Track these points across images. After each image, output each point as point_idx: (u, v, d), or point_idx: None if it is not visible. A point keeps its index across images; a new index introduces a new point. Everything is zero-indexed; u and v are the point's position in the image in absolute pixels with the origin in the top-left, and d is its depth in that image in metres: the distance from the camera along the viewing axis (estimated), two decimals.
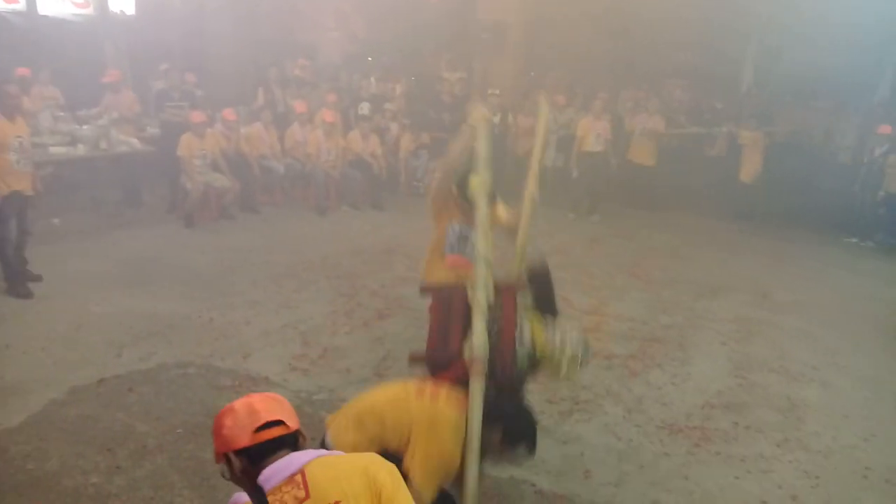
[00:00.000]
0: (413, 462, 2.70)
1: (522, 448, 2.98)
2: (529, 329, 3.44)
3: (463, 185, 4.10)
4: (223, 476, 1.89)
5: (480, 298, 3.13)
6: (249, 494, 1.79)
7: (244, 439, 1.81)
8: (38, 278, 6.39)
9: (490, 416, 2.89)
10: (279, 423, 1.84)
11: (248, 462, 1.82)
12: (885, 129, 10.04)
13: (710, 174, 11.19)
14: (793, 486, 4.17)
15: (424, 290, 3.91)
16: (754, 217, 10.59)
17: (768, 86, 13.01)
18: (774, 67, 13.09)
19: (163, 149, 9.03)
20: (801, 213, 10.37)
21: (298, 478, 1.78)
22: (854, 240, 10.16)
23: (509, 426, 2.93)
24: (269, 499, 1.76)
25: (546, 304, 3.64)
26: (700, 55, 12.22)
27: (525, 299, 3.60)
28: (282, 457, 1.82)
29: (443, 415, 2.80)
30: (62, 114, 9.10)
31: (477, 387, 2.91)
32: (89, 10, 11.80)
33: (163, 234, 8.23)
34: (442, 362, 3.31)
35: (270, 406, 1.87)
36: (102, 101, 9.36)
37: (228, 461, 1.84)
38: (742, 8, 11.64)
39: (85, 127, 8.76)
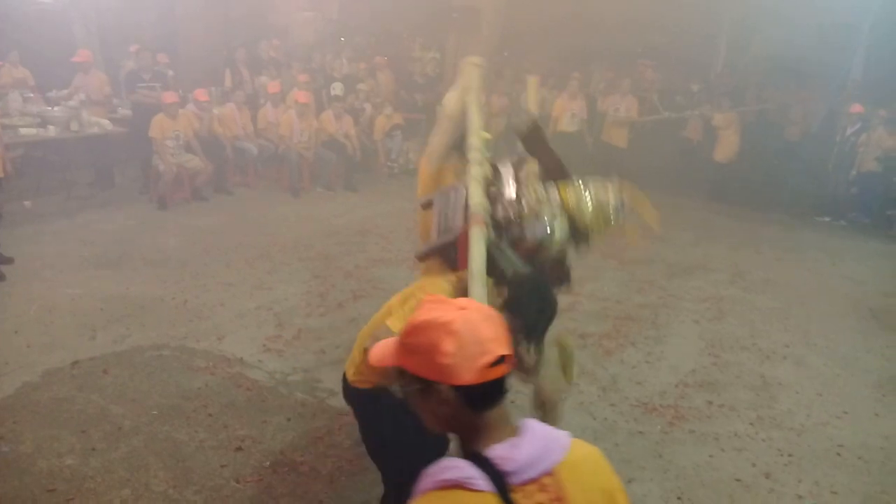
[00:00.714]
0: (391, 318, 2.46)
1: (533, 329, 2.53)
2: (555, 190, 2.87)
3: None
4: (402, 395, 1.44)
5: (475, 169, 2.76)
6: (472, 459, 1.33)
7: (469, 375, 1.32)
8: (9, 261, 6.29)
9: (494, 270, 2.45)
10: (504, 358, 1.36)
11: (463, 404, 1.35)
12: (856, 108, 10.16)
13: (684, 154, 11.27)
14: (766, 464, 4.21)
15: (426, 205, 3.14)
16: (728, 197, 10.68)
17: (740, 66, 13.09)
18: (747, 47, 13.17)
19: (134, 130, 8.93)
20: (774, 192, 10.48)
21: (550, 483, 1.35)
22: (827, 219, 10.29)
23: (515, 289, 2.48)
24: (516, 498, 1.30)
25: (555, 169, 3.04)
26: (672, 35, 12.25)
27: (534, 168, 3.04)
28: (504, 417, 1.40)
29: (427, 280, 2.59)
30: (32, 95, 8.93)
31: (477, 232, 2.49)
32: None
33: (135, 215, 8.13)
34: (448, 243, 2.79)
35: (496, 331, 1.37)
36: (73, 81, 9.20)
37: (432, 390, 1.35)
38: None
39: (55, 108, 8.61)
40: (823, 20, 11.02)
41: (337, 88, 10.70)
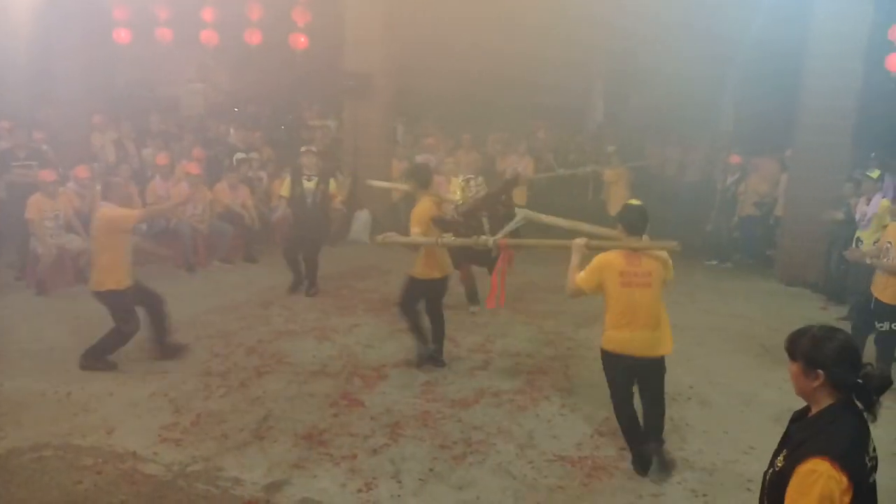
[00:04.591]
0: None
1: None
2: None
3: None
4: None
5: None
6: None
7: None
8: None
9: None
10: None
11: None
12: (735, 158, 10.79)
13: (582, 210, 11.60)
14: None
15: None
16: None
17: (620, 123, 13.76)
18: (625, 104, 13.90)
19: (9, 212, 8.38)
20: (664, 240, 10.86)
21: None
22: (714, 262, 10.76)
23: None
24: None
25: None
26: (559, 94, 12.77)
27: None
28: None
29: None
30: None
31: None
32: None
33: (11, 304, 7.59)
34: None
35: None
36: None
37: None
38: (587, 46, 12.29)
39: None
40: (694, 75, 11.75)
41: (239, 157, 10.47)
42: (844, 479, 2.16)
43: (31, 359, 6.07)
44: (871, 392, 2.29)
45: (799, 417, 2.52)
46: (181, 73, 14.27)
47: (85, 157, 9.76)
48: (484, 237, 5.63)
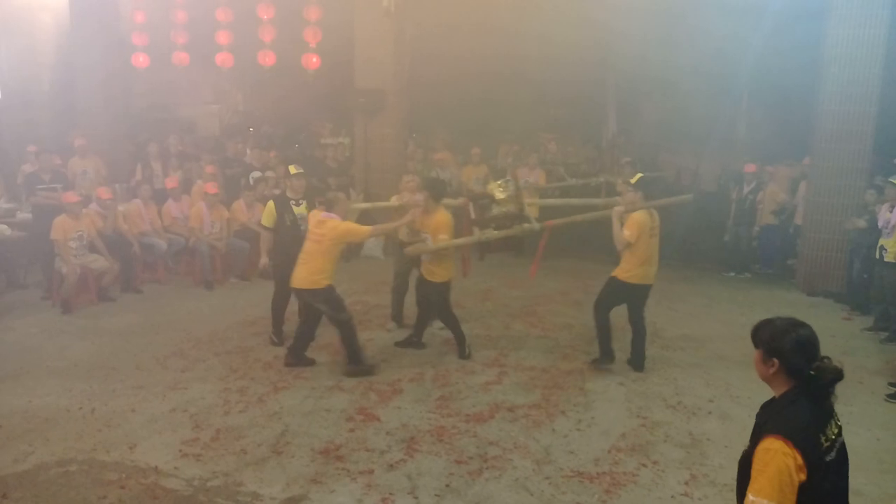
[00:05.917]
0: None
1: None
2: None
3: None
4: None
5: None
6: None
7: None
8: None
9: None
10: None
11: None
12: (750, 167, 10.74)
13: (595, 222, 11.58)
14: None
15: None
16: None
17: (633, 134, 13.74)
18: (638, 116, 13.89)
19: (36, 233, 8.60)
20: (681, 252, 10.82)
21: None
22: (732, 273, 10.70)
23: None
24: None
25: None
26: (569, 107, 12.83)
27: None
28: None
29: None
30: None
31: None
32: None
33: (38, 322, 7.71)
34: None
35: None
36: None
37: None
38: (599, 57, 12.34)
39: None
40: (707, 83, 11.74)
41: (255, 177, 10.61)
42: (798, 457, 2.33)
43: (56, 376, 6.17)
44: (823, 384, 2.47)
45: (765, 406, 2.71)
46: (198, 95, 14.54)
47: (108, 177, 9.95)
48: (528, 225, 6.80)
